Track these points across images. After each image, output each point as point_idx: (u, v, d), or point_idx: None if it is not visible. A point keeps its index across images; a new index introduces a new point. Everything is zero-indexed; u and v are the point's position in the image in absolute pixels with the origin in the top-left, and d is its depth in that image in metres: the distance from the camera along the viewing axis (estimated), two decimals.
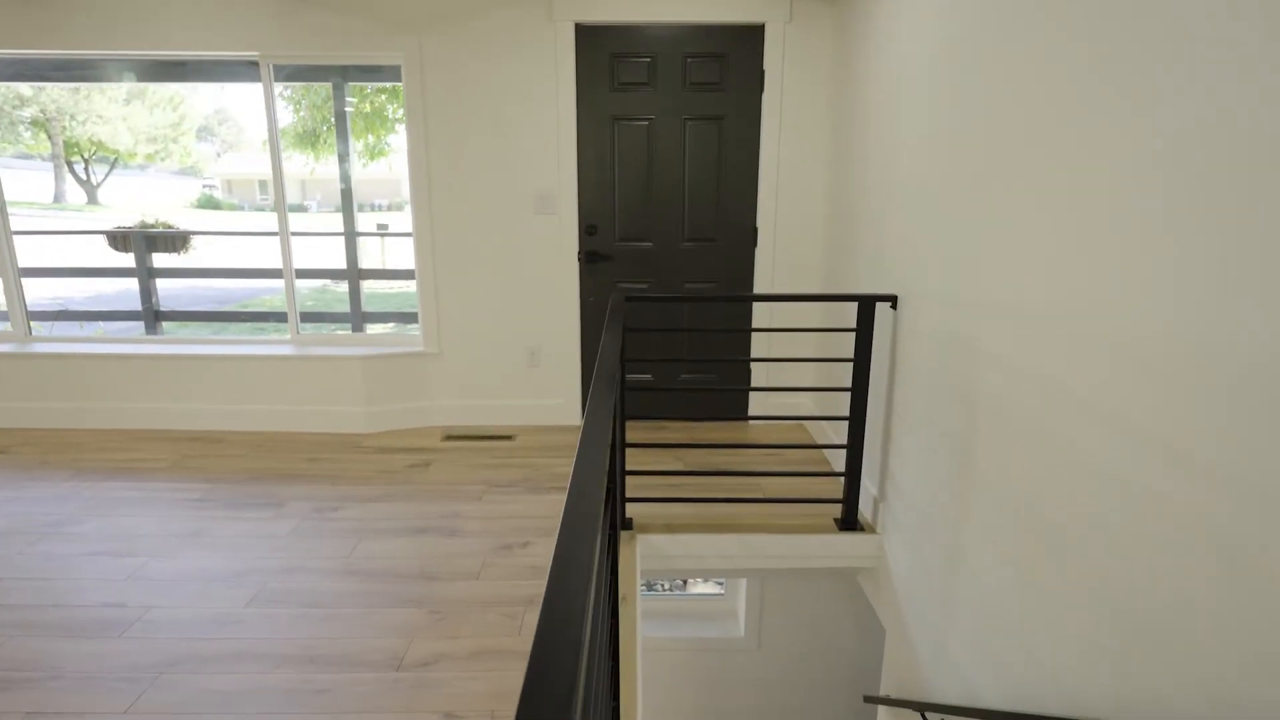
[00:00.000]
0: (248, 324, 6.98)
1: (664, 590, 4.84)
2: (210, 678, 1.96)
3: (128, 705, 1.85)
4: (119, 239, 5.01)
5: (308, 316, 5.66)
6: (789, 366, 3.74)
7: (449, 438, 3.71)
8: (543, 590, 0.78)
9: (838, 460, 3.11)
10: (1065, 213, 1.57)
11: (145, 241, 4.80)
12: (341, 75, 3.87)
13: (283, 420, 3.79)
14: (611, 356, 1.76)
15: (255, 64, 3.63)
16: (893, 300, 2.57)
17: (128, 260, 4.95)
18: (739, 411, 3.92)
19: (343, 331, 4.36)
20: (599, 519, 0.93)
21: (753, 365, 3.87)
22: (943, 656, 2.20)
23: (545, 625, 0.71)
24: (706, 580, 4.75)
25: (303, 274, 4.14)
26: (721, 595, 4.64)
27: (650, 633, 4.44)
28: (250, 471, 3.27)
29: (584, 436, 1.20)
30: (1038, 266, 1.68)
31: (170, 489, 3.08)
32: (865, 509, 2.83)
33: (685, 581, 4.85)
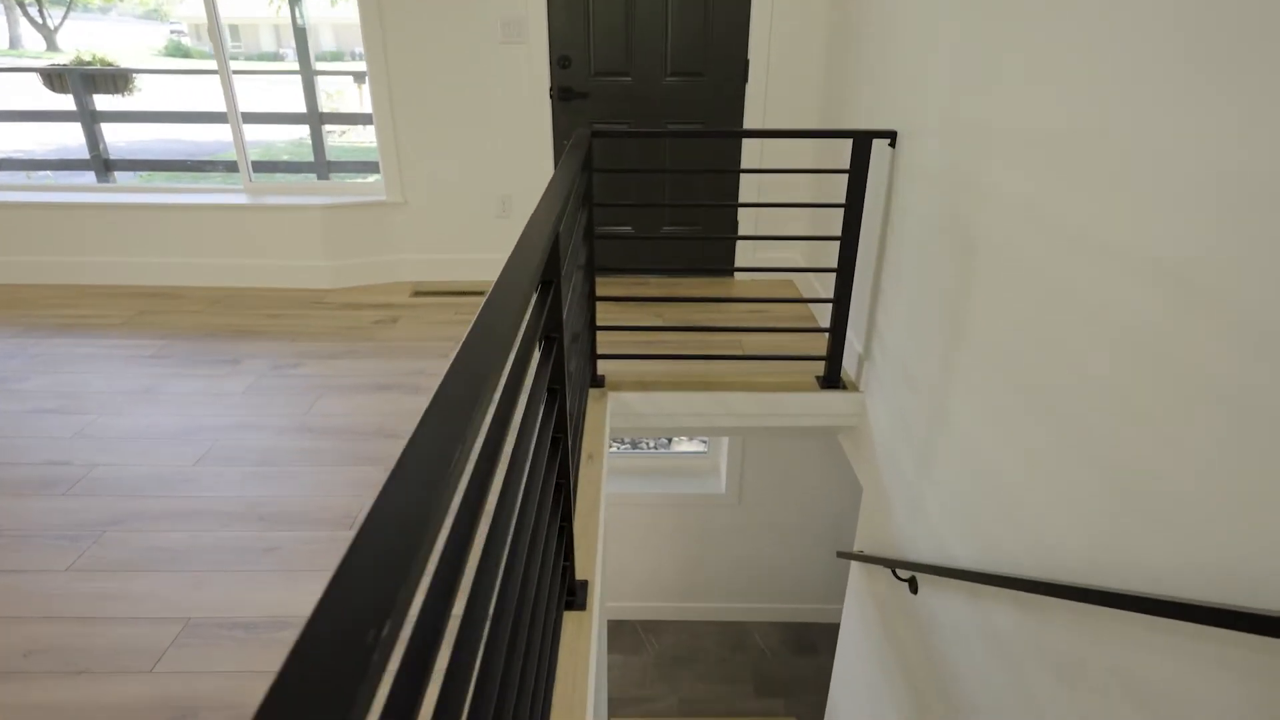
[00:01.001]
0: (219, 176, 6.58)
1: (649, 448, 4.84)
2: (156, 535, 1.89)
3: (69, 563, 1.79)
4: (54, 79, 4.58)
5: (275, 166, 5.31)
6: (779, 218, 3.49)
7: (418, 293, 3.52)
8: None
9: (825, 316, 2.94)
10: (1080, 31, 1.29)
11: (83, 81, 4.38)
12: None
13: (243, 275, 3.59)
14: (561, 193, 1.53)
15: None
16: (891, 137, 2.30)
17: (69, 104, 4.54)
18: (725, 263, 3.70)
19: (309, 181, 4.06)
20: (493, 375, 0.75)
21: (740, 216, 3.61)
22: (918, 515, 2.13)
23: (388, 489, 0.55)
24: (691, 439, 4.74)
25: (253, 118, 3.78)
26: (704, 453, 4.64)
27: (634, 488, 4.47)
28: (207, 328, 3.11)
29: (498, 282, 1.00)
30: (1050, 88, 1.42)
31: (122, 345, 2.93)
32: (850, 366, 2.69)
33: (670, 440, 4.84)
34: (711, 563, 4.61)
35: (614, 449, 4.77)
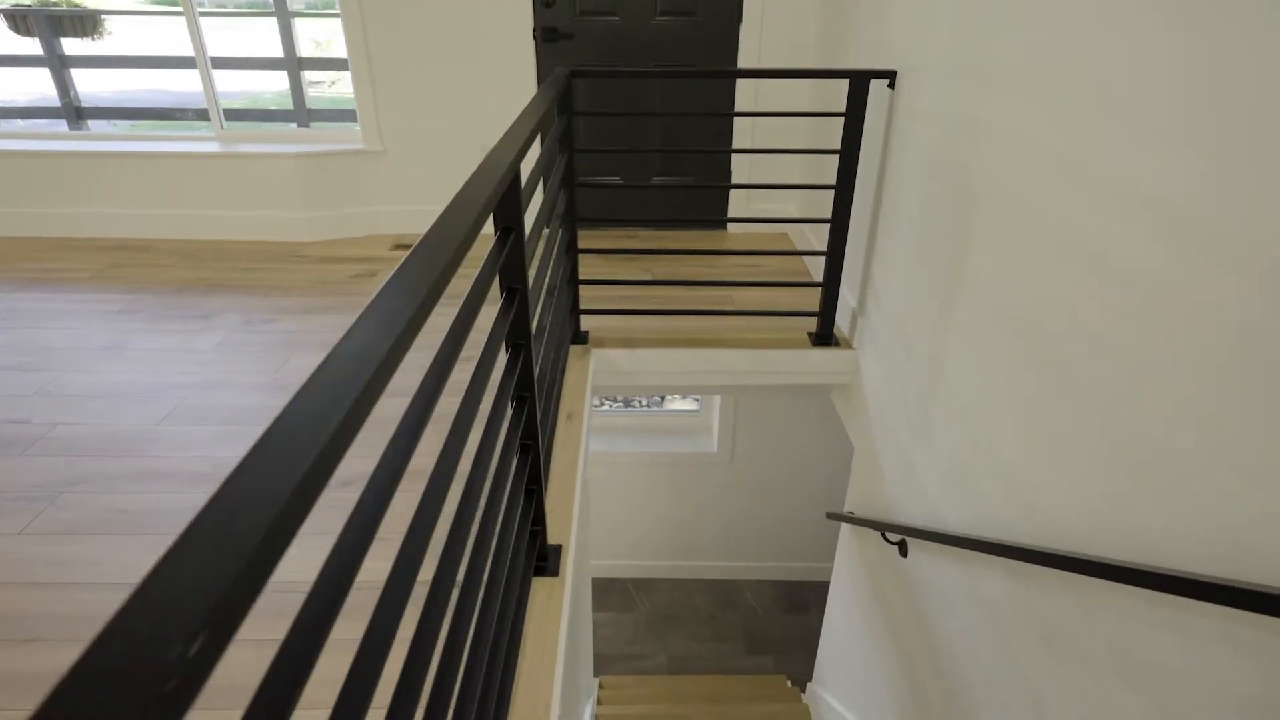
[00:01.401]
0: (187, 125, 6.34)
1: (641, 406, 4.77)
2: (116, 497, 1.82)
3: (23, 526, 1.72)
4: (18, 20, 4.38)
5: (249, 115, 5.12)
6: (775, 167, 3.35)
7: (399, 246, 3.40)
8: None
9: (819, 270, 2.83)
10: None
11: (49, 23, 4.18)
12: None
13: (218, 227, 3.46)
14: (524, 131, 1.41)
15: None
16: (890, 77, 2.15)
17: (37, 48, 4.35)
18: (717, 215, 3.57)
19: (287, 129, 3.90)
20: (408, 329, 0.65)
21: (735, 166, 3.46)
22: (910, 477, 2.06)
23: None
24: (683, 397, 4.66)
25: (223, 62, 3.60)
26: (696, 412, 4.56)
27: (626, 447, 4.41)
28: (178, 282, 3.01)
29: (432, 227, 0.90)
30: (1058, 20, 1.28)
31: (89, 300, 2.83)
32: (843, 322, 2.59)
33: (662, 398, 4.77)
34: (703, 521, 4.58)
35: (606, 407, 4.70)
